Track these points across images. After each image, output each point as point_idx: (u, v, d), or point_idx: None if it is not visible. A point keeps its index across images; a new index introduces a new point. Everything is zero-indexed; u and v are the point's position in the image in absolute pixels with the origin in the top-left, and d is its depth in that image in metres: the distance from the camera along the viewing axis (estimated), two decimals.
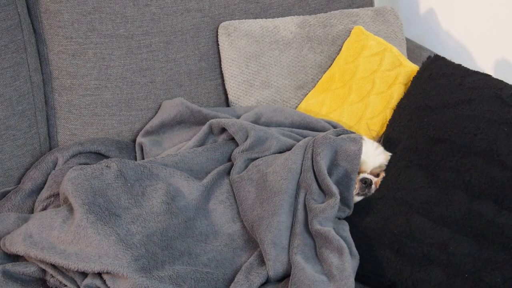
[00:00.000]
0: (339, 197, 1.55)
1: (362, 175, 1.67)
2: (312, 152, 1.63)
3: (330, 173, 1.61)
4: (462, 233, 1.47)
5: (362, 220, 1.56)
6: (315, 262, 1.48)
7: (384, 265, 1.51)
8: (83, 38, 1.83)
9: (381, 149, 1.72)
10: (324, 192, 1.58)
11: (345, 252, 1.45)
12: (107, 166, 1.64)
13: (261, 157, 1.71)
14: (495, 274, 1.41)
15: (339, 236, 1.50)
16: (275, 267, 1.49)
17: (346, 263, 1.44)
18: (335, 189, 1.55)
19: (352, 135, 1.71)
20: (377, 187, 1.67)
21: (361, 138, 1.69)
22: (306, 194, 1.58)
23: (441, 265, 1.45)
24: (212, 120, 1.81)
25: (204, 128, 1.80)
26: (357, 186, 1.65)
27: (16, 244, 1.52)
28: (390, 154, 1.71)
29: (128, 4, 1.85)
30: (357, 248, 1.51)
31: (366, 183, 1.66)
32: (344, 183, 1.61)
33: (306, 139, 1.71)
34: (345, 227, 1.56)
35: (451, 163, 1.55)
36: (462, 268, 1.43)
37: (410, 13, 2.31)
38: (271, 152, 1.73)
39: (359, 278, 1.48)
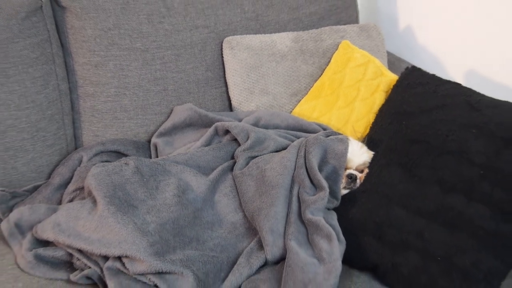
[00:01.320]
0: (328, 190, 1.56)
1: (348, 171, 1.68)
2: (305, 151, 1.64)
3: (320, 169, 1.62)
4: (436, 222, 1.47)
5: (348, 211, 1.57)
6: (307, 247, 1.49)
7: (367, 250, 1.51)
8: (104, 51, 1.83)
9: (365, 148, 1.73)
10: (315, 186, 1.59)
11: (333, 238, 1.46)
12: (125, 163, 1.65)
13: (260, 155, 1.72)
14: (464, 258, 1.41)
15: (328, 224, 1.51)
16: (272, 252, 1.49)
17: (335, 248, 1.44)
18: (324, 183, 1.56)
19: (340, 136, 1.72)
20: (362, 181, 1.67)
21: (348, 139, 1.71)
22: (299, 188, 1.59)
23: (417, 250, 1.46)
24: (217, 123, 1.81)
25: (211, 130, 1.81)
26: (344, 181, 1.66)
27: (46, 231, 1.52)
28: (373, 153, 1.71)
29: (144, 21, 1.86)
30: (343, 235, 1.51)
31: (351, 178, 1.67)
32: (332, 178, 1.62)
33: (300, 139, 1.72)
34: (334, 217, 1.57)
35: (426, 162, 1.56)
36: (435, 253, 1.44)
37: (391, 30, 2.31)
38: (269, 151, 1.74)
39: (345, 261, 1.47)
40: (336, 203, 1.61)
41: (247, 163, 1.71)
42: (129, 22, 1.84)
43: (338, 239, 1.49)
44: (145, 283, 1.41)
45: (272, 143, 1.76)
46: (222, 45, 1.96)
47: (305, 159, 1.63)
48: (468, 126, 1.55)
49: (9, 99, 1.72)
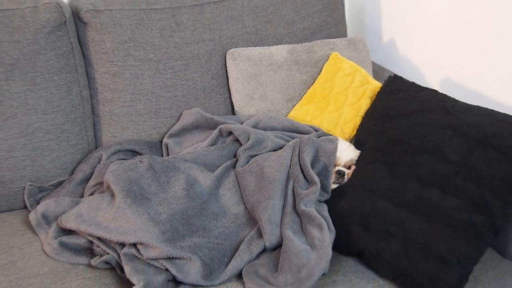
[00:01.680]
0: (319, 184, 1.56)
1: (337, 168, 1.68)
2: (299, 150, 1.64)
3: (313, 166, 1.62)
4: (415, 213, 1.47)
5: (338, 203, 1.57)
6: (301, 235, 1.49)
7: (355, 238, 1.51)
8: (121, 61, 1.83)
9: (352, 147, 1.73)
10: (308, 181, 1.59)
11: (324, 228, 1.46)
12: (140, 161, 1.65)
13: (260, 154, 1.72)
14: (440, 245, 1.41)
15: (320, 215, 1.51)
16: (270, 239, 1.49)
17: (325, 236, 1.45)
18: (316, 178, 1.57)
19: (330, 136, 1.73)
20: (349, 177, 1.67)
21: (337, 139, 1.71)
22: (294, 183, 1.59)
23: (399, 238, 1.45)
24: (221, 125, 1.81)
25: (216, 131, 1.81)
26: (333, 176, 1.66)
27: (70, 221, 1.52)
28: (359, 151, 1.71)
29: (156, 35, 1.86)
30: (333, 225, 1.51)
31: (340, 174, 1.67)
32: (323, 174, 1.62)
33: (294, 140, 1.73)
34: (325, 208, 1.57)
35: (407, 159, 1.55)
36: (415, 240, 1.44)
37: (375, 43, 2.31)
38: (267, 150, 1.73)
39: (335, 247, 1.47)
40: (327, 196, 1.61)
41: (248, 161, 1.71)
42: (143, 36, 1.84)
43: (329, 228, 1.49)
44: (157, 267, 1.41)
45: (270, 143, 1.75)
46: (225, 56, 1.96)
47: (299, 157, 1.63)
48: (444, 128, 1.54)
49: (37, 104, 1.72)
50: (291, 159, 1.63)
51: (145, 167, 1.62)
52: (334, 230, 1.50)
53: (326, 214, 1.55)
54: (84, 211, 1.53)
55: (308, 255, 1.41)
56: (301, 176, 1.60)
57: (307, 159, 1.61)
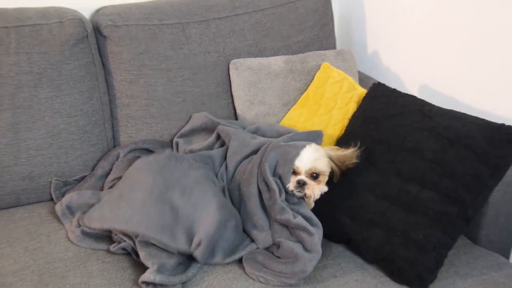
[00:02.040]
0: (277, 190, 1.44)
1: (298, 177, 1.48)
2: (263, 156, 1.53)
3: (276, 172, 1.49)
4: (396, 205, 1.47)
5: (328, 196, 1.55)
6: (292, 238, 1.45)
7: (343, 227, 1.51)
8: (137, 71, 1.83)
9: (318, 156, 1.50)
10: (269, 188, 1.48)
11: (308, 228, 1.41)
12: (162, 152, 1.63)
13: (244, 156, 1.63)
14: (418, 233, 1.42)
15: (300, 214, 1.44)
16: (264, 245, 1.48)
17: (313, 236, 1.41)
18: (273, 185, 1.45)
19: (298, 142, 1.54)
20: (314, 190, 1.48)
21: (304, 146, 1.51)
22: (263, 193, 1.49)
23: (381, 227, 1.46)
24: (218, 127, 1.79)
25: (214, 134, 1.79)
26: (294, 185, 1.48)
27: (93, 222, 1.51)
28: (330, 162, 1.53)
29: (168, 47, 1.85)
30: (323, 216, 1.49)
31: (299, 183, 1.47)
32: (283, 180, 1.48)
33: (266, 145, 1.58)
34: (303, 205, 1.49)
35: (388, 157, 1.55)
36: (395, 229, 1.44)
37: (361, 54, 2.31)
38: (249, 150, 1.65)
39: (325, 236, 1.47)
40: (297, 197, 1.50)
41: (235, 171, 1.64)
42: (156, 48, 1.84)
43: (312, 224, 1.43)
44: (169, 252, 1.41)
45: (251, 146, 1.65)
46: (229, 66, 1.95)
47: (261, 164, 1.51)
48: (421, 129, 1.54)
49: (62, 108, 1.72)
50: (258, 167, 1.52)
51: (167, 156, 1.60)
52: (319, 223, 1.46)
53: (305, 210, 1.47)
54: (107, 212, 1.51)
55: (302, 253, 1.39)
56: (263, 184, 1.49)
57: (267, 166, 1.48)
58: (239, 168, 1.62)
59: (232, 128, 1.77)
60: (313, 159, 1.49)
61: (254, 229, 1.50)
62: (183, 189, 1.50)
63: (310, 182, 1.49)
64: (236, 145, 1.67)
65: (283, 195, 1.46)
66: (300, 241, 1.43)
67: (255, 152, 1.62)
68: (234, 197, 1.59)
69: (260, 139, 1.68)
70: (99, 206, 1.55)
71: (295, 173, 1.50)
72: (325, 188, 1.52)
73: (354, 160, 1.54)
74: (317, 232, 1.43)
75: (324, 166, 1.51)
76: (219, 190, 1.57)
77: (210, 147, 1.78)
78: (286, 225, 1.46)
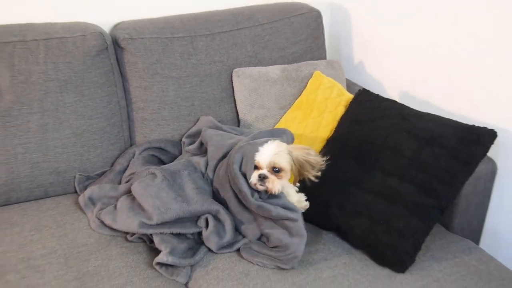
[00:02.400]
0: (248, 192, 1.38)
1: (260, 171, 1.39)
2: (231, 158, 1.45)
3: (241, 170, 1.42)
4: (379, 197, 1.47)
5: (319, 190, 1.55)
6: (276, 226, 1.43)
7: (332, 217, 1.52)
8: (150, 78, 1.83)
9: (278, 151, 1.40)
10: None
11: (289, 215, 1.37)
12: (153, 173, 1.54)
13: (219, 159, 1.56)
14: (399, 222, 1.42)
15: (279, 204, 1.38)
16: (253, 236, 1.47)
17: (296, 222, 1.38)
18: (244, 188, 1.39)
19: (260, 139, 1.45)
20: (274, 183, 1.38)
21: (265, 142, 1.42)
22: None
23: (366, 216, 1.46)
24: (202, 133, 1.74)
25: (199, 139, 1.75)
26: (255, 179, 1.39)
27: (106, 219, 1.51)
28: (290, 157, 1.41)
29: (178, 58, 1.85)
30: (315, 207, 1.49)
31: (260, 177, 1.38)
32: (247, 175, 1.41)
33: (236, 146, 1.49)
34: (280, 197, 1.41)
35: (372, 155, 1.56)
36: (379, 218, 1.44)
37: (348, 64, 2.31)
38: (222, 152, 1.56)
39: (317, 224, 1.48)
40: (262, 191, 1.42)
41: (214, 170, 1.56)
42: (167, 58, 1.84)
43: (291, 209, 1.37)
44: (180, 237, 1.43)
45: (225, 147, 1.57)
46: (232, 74, 1.95)
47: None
48: (401, 130, 1.55)
49: (85, 112, 1.72)
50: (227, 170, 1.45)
51: (160, 179, 1.50)
52: (297, 207, 1.40)
53: (283, 201, 1.39)
54: (118, 217, 1.50)
55: (289, 240, 1.37)
56: (236, 186, 1.42)
57: (235, 167, 1.40)
58: (216, 172, 1.54)
59: (211, 132, 1.71)
60: (273, 154, 1.38)
61: (241, 225, 1.48)
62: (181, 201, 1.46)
63: (271, 176, 1.38)
64: (213, 150, 1.59)
65: (256, 194, 1.40)
66: (285, 228, 1.40)
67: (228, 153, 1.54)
68: (219, 198, 1.52)
69: (234, 139, 1.59)
70: (114, 215, 1.51)
71: (257, 168, 1.40)
72: (285, 183, 1.42)
73: (313, 172, 1.41)
74: (298, 217, 1.38)
75: (284, 162, 1.39)
76: (209, 195, 1.52)
77: (199, 148, 1.74)
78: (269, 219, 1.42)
